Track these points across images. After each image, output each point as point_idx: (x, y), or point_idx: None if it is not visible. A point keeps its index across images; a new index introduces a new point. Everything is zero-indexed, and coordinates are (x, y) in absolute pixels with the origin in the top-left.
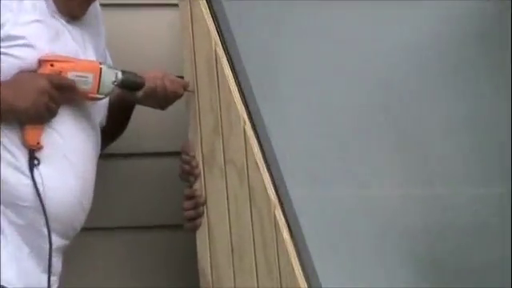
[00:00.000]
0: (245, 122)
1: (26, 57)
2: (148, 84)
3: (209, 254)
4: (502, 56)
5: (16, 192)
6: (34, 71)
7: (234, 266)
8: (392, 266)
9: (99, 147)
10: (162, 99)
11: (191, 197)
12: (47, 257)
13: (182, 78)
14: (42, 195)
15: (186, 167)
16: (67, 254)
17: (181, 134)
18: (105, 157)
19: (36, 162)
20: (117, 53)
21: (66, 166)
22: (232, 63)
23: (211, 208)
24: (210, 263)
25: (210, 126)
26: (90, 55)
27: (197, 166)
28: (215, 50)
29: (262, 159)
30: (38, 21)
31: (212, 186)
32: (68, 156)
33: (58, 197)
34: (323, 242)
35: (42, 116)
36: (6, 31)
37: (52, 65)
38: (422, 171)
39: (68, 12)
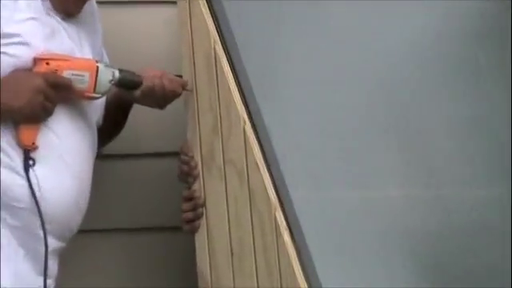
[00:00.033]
0: (245, 122)
1: (21, 55)
2: (146, 83)
3: (208, 257)
4: (504, 55)
5: (11, 193)
6: (29, 70)
7: (233, 269)
8: (394, 268)
9: (96, 147)
10: (161, 98)
11: (190, 198)
12: (43, 259)
13: (180, 76)
14: (38, 196)
15: (185, 168)
16: (63, 256)
17: (179, 134)
18: (102, 157)
19: (31, 162)
20: (114, 51)
21: (62, 167)
22: (231, 62)
23: (210, 209)
24: (209, 266)
25: (209, 126)
26: (87, 53)
27: (196, 167)
28: (214, 48)
29: (262, 160)
30: (33, 18)
31: (211, 187)
32: (64, 156)
33: (54, 198)
34: (324, 244)
35: (37, 115)
36: (0, 29)
37: (48, 63)
38: (423, 172)
39: (63, 10)
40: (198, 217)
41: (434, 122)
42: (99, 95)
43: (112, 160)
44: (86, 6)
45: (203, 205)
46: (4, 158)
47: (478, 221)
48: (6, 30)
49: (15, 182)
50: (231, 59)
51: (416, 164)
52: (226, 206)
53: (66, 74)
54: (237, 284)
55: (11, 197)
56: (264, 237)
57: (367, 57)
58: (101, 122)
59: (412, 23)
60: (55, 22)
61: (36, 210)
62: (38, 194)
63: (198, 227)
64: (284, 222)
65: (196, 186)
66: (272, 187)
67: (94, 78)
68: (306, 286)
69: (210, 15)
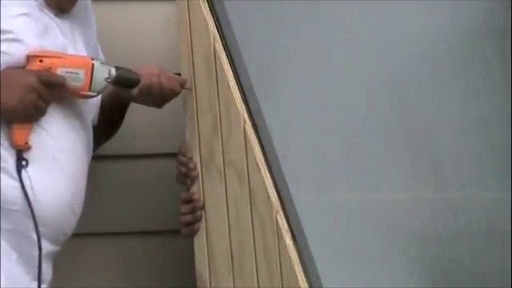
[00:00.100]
0: (245, 122)
1: (13, 52)
2: (143, 81)
3: (207, 261)
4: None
5: (3, 195)
6: (22, 67)
7: (233, 273)
8: (401, 273)
9: (91, 147)
10: (158, 97)
11: (188, 201)
12: (36, 264)
13: (178, 74)
14: (31, 198)
15: (183, 169)
16: (58, 260)
17: (178, 134)
18: (97, 158)
19: (24, 163)
20: (111, 48)
21: (56, 168)
22: (231, 59)
23: (210, 212)
24: (209, 270)
25: (209, 126)
26: (81, 49)
27: (194, 168)
28: (214, 46)
29: (263, 160)
30: (25, 14)
31: (210, 189)
32: (58, 157)
33: (47, 200)
34: (327, 247)
35: (30, 115)
36: None
37: (41, 60)
38: (430, 173)
39: (56, 5)
40: (197, 220)
41: (440, 122)
42: (95, 94)
43: (108, 161)
44: (80, 1)
45: (202, 207)
46: None
47: (486, 223)
48: None
49: (7, 184)
50: (231, 57)
51: (422, 165)
52: (225, 209)
53: (60, 71)
54: None
55: (4, 199)
56: (265, 240)
57: (371, 55)
58: (96, 121)
59: (417, 21)
60: (48, 18)
61: (29, 212)
62: (30, 195)
63: (197, 230)
64: (285, 225)
65: (195, 188)
66: (273, 189)
67: (89, 76)
68: None
69: (209, 12)
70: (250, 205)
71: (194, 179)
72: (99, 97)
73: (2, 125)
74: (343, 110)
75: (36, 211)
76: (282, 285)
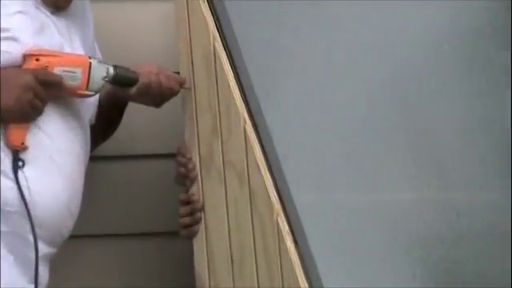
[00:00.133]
0: (245, 122)
1: (10, 51)
2: (142, 80)
3: (206, 263)
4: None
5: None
6: (19, 66)
7: (233, 276)
8: (403, 275)
9: (89, 148)
10: (157, 96)
11: (187, 202)
12: (33, 266)
13: (177, 73)
14: (27, 199)
15: (182, 170)
16: (54, 263)
17: (176, 135)
18: (95, 159)
19: (21, 163)
20: (108, 46)
21: (53, 168)
22: (231, 58)
23: (209, 214)
24: (208, 272)
25: (208, 126)
26: (77, 47)
27: (193, 169)
28: (213, 45)
29: (263, 161)
30: (21, 12)
31: (210, 190)
32: (55, 157)
33: (44, 201)
34: (329, 249)
35: (26, 114)
36: None
37: (37, 59)
38: (433, 174)
39: (52, 3)
40: (196, 221)
41: (443, 122)
42: (92, 93)
43: (106, 161)
44: None
45: (202, 209)
46: None
47: (490, 224)
48: None
49: (4, 185)
50: (231, 56)
51: (425, 165)
52: (225, 210)
53: (57, 70)
54: None
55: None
56: (265, 241)
57: (373, 54)
58: (93, 120)
59: (419, 20)
60: (44, 16)
61: (25, 213)
62: (27, 196)
63: (197, 232)
64: (286, 227)
65: (194, 189)
66: (274, 190)
67: (86, 75)
68: None
69: (209, 10)
70: (250, 206)
71: (193, 180)
72: (97, 96)
73: None
74: (344, 110)
75: (32, 212)
76: (283, 287)
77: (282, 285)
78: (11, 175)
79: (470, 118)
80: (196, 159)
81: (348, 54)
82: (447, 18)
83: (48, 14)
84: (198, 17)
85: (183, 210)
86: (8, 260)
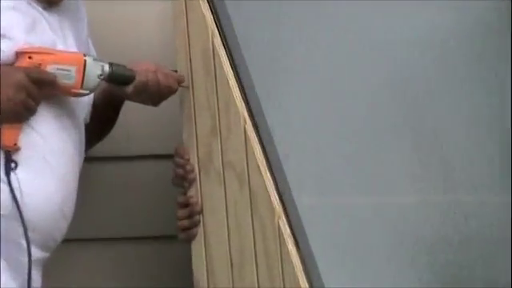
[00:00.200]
0: (245, 121)
1: (2, 49)
2: (139, 78)
3: (205, 268)
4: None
5: None
6: (11, 65)
7: (233, 281)
8: (409, 280)
9: (83, 148)
10: (155, 95)
11: (186, 204)
12: (25, 271)
13: (175, 71)
14: (19, 202)
15: (180, 171)
16: (47, 268)
17: (174, 135)
18: (89, 160)
19: (13, 164)
20: (103, 43)
21: (46, 170)
22: (231, 56)
23: (208, 217)
24: (207, 277)
25: (207, 126)
26: (71, 44)
27: (192, 170)
28: (212, 41)
29: (264, 162)
30: (12, 8)
31: (209, 192)
32: (48, 158)
33: (37, 204)
34: (332, 254)
35: (19, 114)
36: None
37: (30, 57)
38: (441, 175)
39: None
40: (195, 224)
41: (450, 121)
42: (87, 91)
43: (101, 163)
44: None
45: (200, 211)
46: None
47: (499, 228)
48: None
49: None
50: (231, 53)
51: (431, 167)
52: (224, 213)
53: (51, 68)
54: None
55: None
56: (266, 245)
57: (377, 52)
58: (88, 119)
59: (425, 16)
60: (36, 12)
61: (18, 216)
62: (19, 198)
63: (195, 236)
64: (288, 229)
65: (192, 191)
66: (275, 191)
67: (81, 73)
68: None
69: (207, 6)
70: (251, 208)
71: (191, 182)
72: (92, 94)
73: None
74: (348, 110)
75: (24, 215)
76: None
77: None
78: (3, 177)
79: (477, 117)
80: (194, 160)
81: (351, 52)
82: (454, 13)
83: (40, 9)
84: (197, 12)
85: (181, 212)
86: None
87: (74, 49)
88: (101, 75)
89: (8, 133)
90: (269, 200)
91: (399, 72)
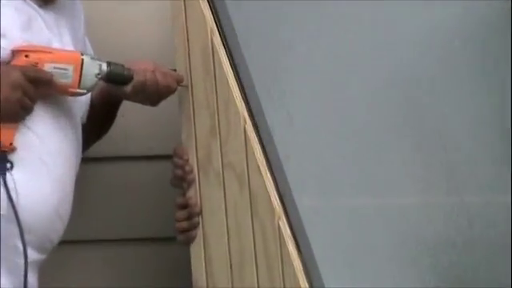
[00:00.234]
0: (245, 121)
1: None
2: (137, 77)
3: (204, 270)
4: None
5: None
6: (7, 63)
7: (232, 283)
8: (412, 283)
9: (80, 148)
10: (153, 95)
11: (184, 206)
12: (21, 273)
13: (173, 70)
14: (15, 203)
15: (179, 172)
16: (44, 270)
17: (173, 135)
18: (86, 160)
19: (9, 165)
20: (100, 41)
21: (43, 170)
22: (230, 54)
23: (207, 218)
24: (206, 279)
25: (206, 126)
26: (67, 42)
27: (191, 171)
28: (211, 39)
29: (264, 163)
30: (8, 6)
31: (208, 194)
32: (44, 159)
33: (32, 205)
34: (333, 255)
35: (15, 114)
36: None
37: (27, 55)
38: (444, 176)
39: None
40: (194, 226)
41: (453, 122)
42: (84, 91)
43: (98, 163)
44: None
45: (199, 213)
46: None
47: (503, 230)
48: None
49: None
50: (230, 51)
51: (434, 167)
52: (224, 214)
53: (48, 67)
54: None
55: None
56: (266, 247)
57: (379, 51)
58: (85, 119)
59: (429, 14)
60: (32, 9)
61: (13, 218)
62: (14, 199)
63: (194, 238)
64: (288, 231)
65: (191, 193)
66: (275, 192)
67: (78, 72)
68: None
69: (206, 3)
70: (251, 210)
71: (190, 183)
72: (89, 94)
73: None
74: (349, 109)
75: (20, 216)
76: None
77: None
78: None
79: (481, 117)
80: (193, 161)
81: (354, 51)
82: (458, 12)
83: (35, 7)
84: (196, 9)
85: (180, 214)
86: None
87: (70, 47)
88: (98, 74)
89: (4, 133)
90: (269, 201)
91: (401, 72)
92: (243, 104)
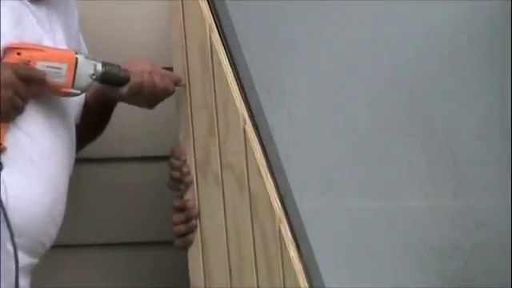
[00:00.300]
0: (245, 121)
1: None
2: (134, 79)
3: (203, 275)
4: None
5: None
6: None
7: (231, 286)
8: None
9: (74, 149)
10: (150, 97)
11: (182, 209)
12: (12, 278)
13: (170, 69)
14: (4, 204)
15: (176, 174)
16: (36, 275)
17: (170, 135)
18: (80, 161)
19: None
20: (95, 40)
21: (33, 171)
22: (230, 52)
23: (205, 221)
24: (204, 284)
25: (204, 126)
26: (59, 40)
27: (188, 173)
28: (210, 37)
29: (264, 164)
30: None
31: (206, 196)
32: (36, 159)
33: (23, 207)
34: (335, 259)
35: (6, 113)
36: None
37: (19, 53)
38: (451, 178)
39: None
40: (192, 230)
41: (460, 122)
42: (78, 91)
43: (92, 164)
44: None
45: (197, 216)
46: None
47: (511, 234)
48: None
49: None
50: (229, 49)
51: (440, 169)
52: (223, 217)
53: (40, 65)
54: None
55: None
56: (267, 251)
57: (382, 49)
58: (78, 120)
59: (434, 10)
60: (23, 5)
61: (3, 220)
62: (4, 201)
63: (192, 242)
64: (289, 234)
65: (189, 195)
66: (276, 194)
67: (72, 72)
68: None
69: (206, 2)
70: (250, 212)
71: (188, 185)
72: (83, 94)
73: None
74: (352, 109)
75: (10, 219)
76: None
77: None
78: None
79: (488, 118)
80: (191, 162)
81: (356, 49)
82: (460, 11)
83: (27, 2)
84: (193, 6)
85: (177, 217)
86: None
87: (63, 44)
88: (93, 75)
89: None
90: (269, 203)
91: (406, 71)
92: (243, 104)
